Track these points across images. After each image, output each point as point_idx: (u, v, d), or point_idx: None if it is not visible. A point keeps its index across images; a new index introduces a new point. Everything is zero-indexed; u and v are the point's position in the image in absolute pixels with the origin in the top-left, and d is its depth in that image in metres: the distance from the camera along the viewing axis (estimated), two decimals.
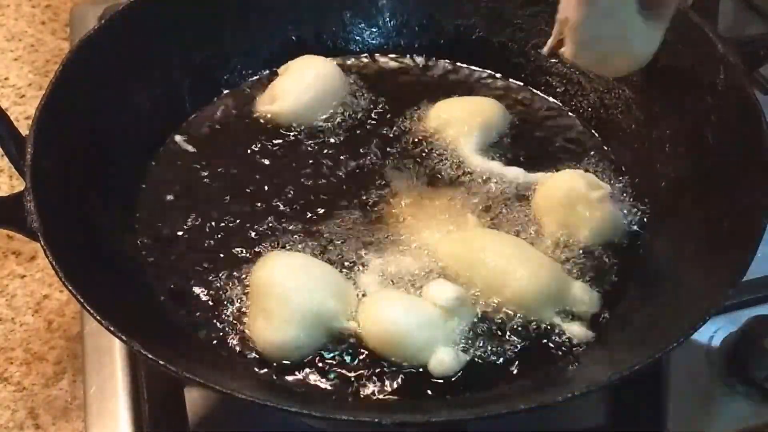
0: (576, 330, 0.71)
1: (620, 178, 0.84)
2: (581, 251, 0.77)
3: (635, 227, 0.80)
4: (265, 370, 0.69)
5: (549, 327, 0.71)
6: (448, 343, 0.69)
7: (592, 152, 0.88)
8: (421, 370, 0.69)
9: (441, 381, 0.68)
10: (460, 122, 0.87)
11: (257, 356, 0.70)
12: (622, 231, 0.79)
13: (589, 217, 0.76)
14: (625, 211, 0.80)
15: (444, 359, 0.68)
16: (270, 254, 0.75)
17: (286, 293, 0.68)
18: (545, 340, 0.71)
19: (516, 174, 0.83)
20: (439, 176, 0.85)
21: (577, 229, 0.77)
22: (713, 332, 0.80)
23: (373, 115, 0.91)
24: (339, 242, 0.78)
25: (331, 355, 0.70)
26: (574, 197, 0.77)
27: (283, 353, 0.69)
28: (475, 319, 0.71)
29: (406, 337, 0.68)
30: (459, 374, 0.68)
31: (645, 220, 0.80)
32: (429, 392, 0.68)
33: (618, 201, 0.81)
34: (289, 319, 0.68)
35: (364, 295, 0.72)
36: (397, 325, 0.68)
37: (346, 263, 0.76)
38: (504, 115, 0.90)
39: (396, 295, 0.72)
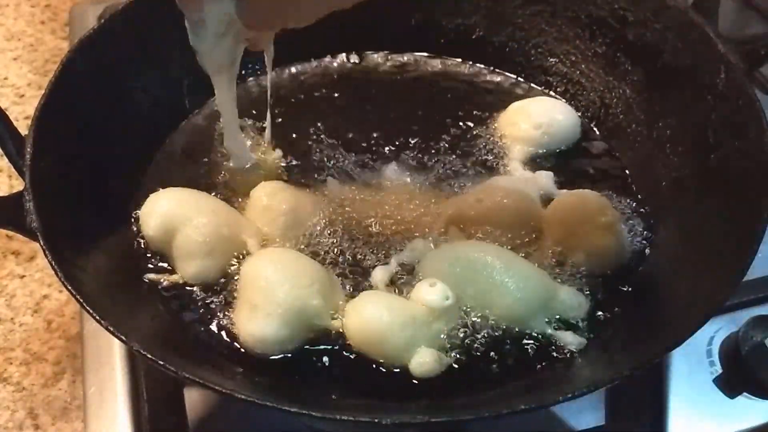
0: (569, 338, 0.71)
1: (636, 206, 0.82)
2: (575, 269, 0.76)
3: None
4: (250, 364, 0.69)
5: (541, 336, 0.71)
6: (431, 345, 0.69)
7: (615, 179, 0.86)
8: (398, 370, 0.69)
9: (427, 382, 0.68)
10: (522, 127, 0.87)
11: (241, 349, 0.70)
12: (620, 263, 0.76)
13: (590, 242, 0.75)
14: (632, 244, 0.78)
15: (426, 360, 0.68)
16: (261, 249, 0.75)
17: (270, 287, 0.68)
18: (539, 347, 0.71)
19: (545, 184, 0.83)
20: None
21: (575, 251, 0.75)
22: (713, 332, 0.80)
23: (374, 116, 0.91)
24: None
25: (316, 351, 0.70)
26: (581, 218, 0.75)
27: (263, 347, 0.69)
28: (464, 326, 0.71)
29: (387, 336, 0.68)
30: (453, 377, 0.68)
31: (649, 248, 0.78)
32: (416, 394, 0.68)
33: (627, 234, 0.79)
34: (271, 314, 0.68)
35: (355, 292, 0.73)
36: (379, 323, 0.68)
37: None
38: (572, 130, 0.89)
39: (381, 294, 0.72)
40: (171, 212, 0.74)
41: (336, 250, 0.77)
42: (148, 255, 0.77)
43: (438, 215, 0.79)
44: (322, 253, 0.77)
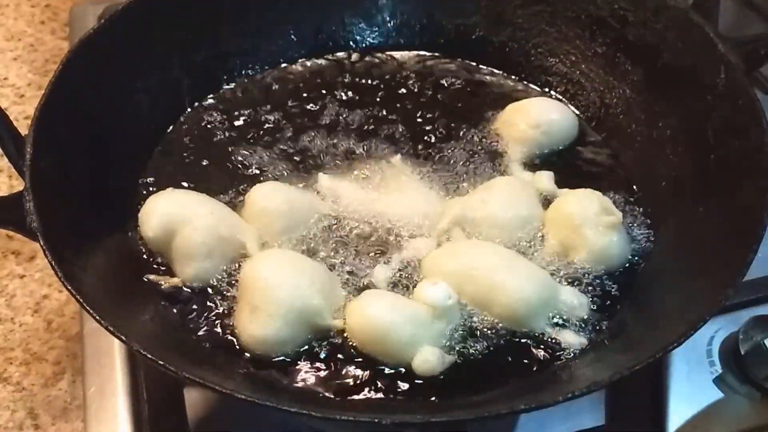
0: (569, 338, 0.71)
1: (636, 206, 0.82)
2: (576, 268, 0.76)
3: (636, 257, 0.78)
4: (250, 364, 0.69)
5: (542, 336, 0.71)
6: (433, 343, 0.69)
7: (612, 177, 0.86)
8: (403, 370, 0.69)
9: (427, 381, 0.68)
10: (521, 127, 0.87)
11: (242, 351, 0.70)
12: (622, 262, 0.76)
13: (591, 241, 0.75)
14: (632, 244, 0.78)
15: (428, 359, 0.68)
16: (261, 250, 0.75)
17: (270, 288, 0.68)
18: (539, 346, 0.71)
19: (545, 184, 0.83)
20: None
21: (576, 250, 0.75)
22: (713, 332, 0.80)
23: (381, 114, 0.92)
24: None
25: (317, 351, 0.70)
26: (582, 217, 0.75)
27: (265, 348, 0.69)
28: (466, 324, 0.71)
29: (389, 334, 0.68)
30: (453, 376, 0.68)
31: (649, 248, 0.78)
32: (415, 393, 0.68)
33: (628, 234, 0.78)
34: (272, 314, 0.68)
35: (356, 291, 0.73)
36: (382, 321, 0.68)
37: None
38: (570, 129, 0.89)
39: (383, 293, 0.72)
40: (170, 213, 0.74)
41: (336, 249, 0.77)
42: (148, 255, 0.77)
43: (440, 214, 0.79)
44: (322, 252, 0.77)
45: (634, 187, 0.84)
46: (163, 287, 0.74)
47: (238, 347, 0.70)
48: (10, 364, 0.83)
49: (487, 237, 0.77)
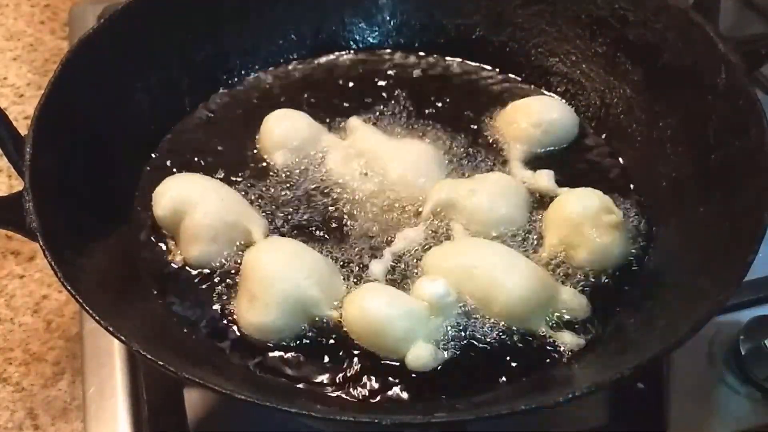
0: (567, 338, 0.71)
1: (636, 206, 0.82)
2: (576, 268, 0.76)
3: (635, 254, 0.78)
4: (246, 354, 0.70)
5: (541, 336, 0.71)
6: (428, 339, 0.69)
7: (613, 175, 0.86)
8: (397, 364, 0.69)
9: (427, 381, 0.68)
10: (522, 125, 0.87)
11: (242, 350, 0.71)
12: (622, 262, 0.76)
13: (592, 240, 0.74)
14: (632, 243, 0.78)
15: (421, 354, 0.68)
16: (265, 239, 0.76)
17: (269, 276, 0.70)
18: (539, 346, 0.71)
19: (546, 183, 0.83)
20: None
21: (576, 249, 0.75)
22: (713, 332, 0.80)
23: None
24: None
25: (315, 342, 0.70)
26: (583, 216, 0.75)
27: (261, 334, 0.70)
28: (464, 323, 0.71)
29: (385, 328, 0.68)
30: (452, 376, 0.68)
31: (650, 248, 0.78)
32: (414, 392, 0.68)
33: (628, 234, 0.78)
34: (269, 303, 0.69)
35: (355, 284, 0.73)
36: (378, 315, 0.68)
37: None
38: (570, 128, 0.89)
39: (381, 287, 0.72)
40: (181, 195, 0.76)
41: (335, 246, 0.77)
42: (149, 254, 0.77)
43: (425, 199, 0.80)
44: (319, 233, 0.78)
45: (634, 187, 0.84)
46: (173, 262, 0.76)
47: (238, 346, 0.71)
48: (10, 364, 0.83)
49: (466, 227, 0.77)
